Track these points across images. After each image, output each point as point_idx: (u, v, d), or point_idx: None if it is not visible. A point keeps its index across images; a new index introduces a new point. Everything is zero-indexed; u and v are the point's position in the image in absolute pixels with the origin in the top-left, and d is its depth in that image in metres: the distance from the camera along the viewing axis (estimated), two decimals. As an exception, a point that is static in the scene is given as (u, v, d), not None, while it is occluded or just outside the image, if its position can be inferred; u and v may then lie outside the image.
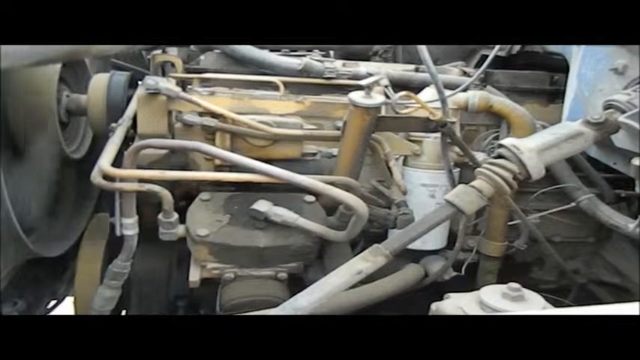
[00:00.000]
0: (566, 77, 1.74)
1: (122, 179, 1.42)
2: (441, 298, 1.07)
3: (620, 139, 1.41)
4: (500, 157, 1.22)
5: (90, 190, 2.23)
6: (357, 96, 1.51)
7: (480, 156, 1.73)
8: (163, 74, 2.03)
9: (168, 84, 1.58)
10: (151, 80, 1.55)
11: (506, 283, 1.03)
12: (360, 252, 1.13)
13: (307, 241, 1.53)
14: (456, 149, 1.71)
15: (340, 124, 1.66)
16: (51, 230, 1.92)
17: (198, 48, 2.07)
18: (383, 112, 1.66)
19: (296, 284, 1.50)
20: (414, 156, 1.76)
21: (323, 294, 1.04)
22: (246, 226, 1.52)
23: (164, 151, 1.58)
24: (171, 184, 1.51)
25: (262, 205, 1.50)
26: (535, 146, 1.21)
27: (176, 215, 1.51)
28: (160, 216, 1.50)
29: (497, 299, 1.00)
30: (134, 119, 1.61)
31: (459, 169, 1.78)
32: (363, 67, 1.95)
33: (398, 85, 1.83)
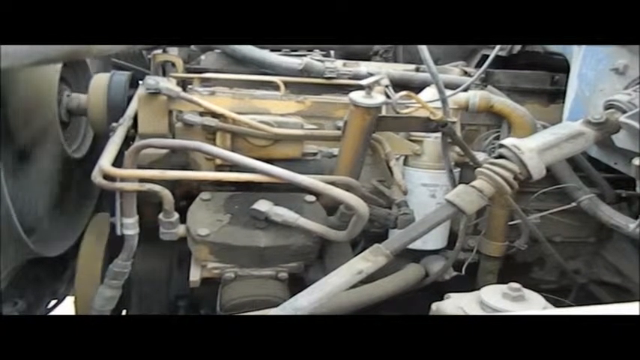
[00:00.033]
0: (567, 77, 1.74)
1: (123, 179, 1.42)
2: (441, 298, 1.07)
3: (620, 139, 1.41)
4: (500, 157, 1.22)
5: (90, 190, 2.23)
6: (357, 96, 1.51)
7: (480, 156, 1.73)
8: (164, 74, 2.03)
9: (168, 84, 1.58)
10: (152, 80, 1.55)
11: (506, 283, 1.03)
12: (361, 252, 1.13)
13: (308, 241, 1.53)
14: (457, 149, 1.71)
15: (341, 123, 1.66)
16: (51, 230, 1.92)
17: (198, 48, 2.07)
18: (383, 112, 1.66)
19: (296, 284, 1.50)
20: (414, 156, 1.76)
21: (323, 294, 1.04)
22: (247, 225, 1.52)
23: (165, 151, 1.58)
24: (171, 184, 1.52)
25: (263, 205, 1.50)
26: (536, 146, 1.21)
27: (177, 215, 1.52)
28: (161, 216, 1.50)
29: (498, 299, 1.00)
30: (135, 119, 1.61)
31: (459, 169, 1.78)
32: (363, 66, 1.95)
33: (398, 84, 1.83)
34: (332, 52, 2.03)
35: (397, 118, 1.61)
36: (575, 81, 1.68)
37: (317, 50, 1.97)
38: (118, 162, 1.44)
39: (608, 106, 1.37)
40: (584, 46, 1.64)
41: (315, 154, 1.71)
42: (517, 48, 2.01)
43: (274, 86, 1.79)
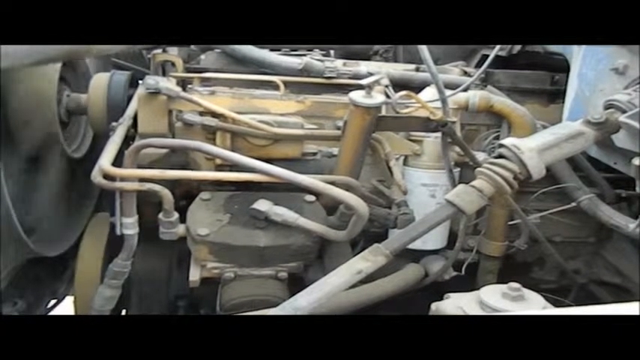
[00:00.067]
0: (567, 77, 1.74)
1: (122, 178, 1.42)
2: (441, 298, 1.07)
3: (620, 139, 1.41)
4: (500, 156, 1.22)
5: (90, 190, 2.23)
6: (357, 95, 1.51)
7: (480, 156, 1.73)
8: (164, 74, 2.03)
9: (168, 83, 1.58)
10: (152, 80, 1.55)
11: (506, 282, 1.03)
12: (360, 252, 1.13)
13: (307, 241, 1.53)
14: (457, 149, 1.71)
15: (341, 123, 1.66)
16: (51, 230, 1.92)
17: (198, 47, 2.07)
18: (383, 112, 1.66)
19: (296, 284, 1.50)
20: (414, 156, 1.76)
21: (323, 294, 1.04)
22: (247, 225, 1.51)
23: (164, 151, 1.58)
24: (171, 184, 1.51)
25: (263, 205, 1.50)
26: (536, 146, 1.21)
27: (176, 215, 1.52)
28: (161, 215, 1.50)
29: (498, 299, 1.00)
30: (135, 118, 1.61)
31: (459, 169, 1.78)
32: (363, 66, 1.95)
33: (398, 84, 1.83)
34: (332, 52, 2.03)
35: (397, 117, 1.61)
36: (575, 81, 1.68)
37: (317, 50, 1.97)
38: (117, 162, 1.44)
39: (608, 106, 1.37)
40: (584, 46, 1.64)
41: (314, 153, 1.71)
42: (517, 48, 2.01)
43: (274, 86, 1.79)
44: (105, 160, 1.40)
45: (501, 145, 1.24)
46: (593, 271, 2.03)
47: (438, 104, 1.54)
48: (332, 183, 1.49)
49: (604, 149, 1.61)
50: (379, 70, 1.88)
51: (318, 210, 1.58)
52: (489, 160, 1.23)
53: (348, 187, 1.51)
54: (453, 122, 1.61)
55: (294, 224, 1.50)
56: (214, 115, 1.62)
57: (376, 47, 2.36)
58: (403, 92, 1.56)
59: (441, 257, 1.84)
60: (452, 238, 1.82)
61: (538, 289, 1.03)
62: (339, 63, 1.91)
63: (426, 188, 1.75)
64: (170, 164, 1.55)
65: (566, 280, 2.04)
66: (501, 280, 1.45)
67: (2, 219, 1.52)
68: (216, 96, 1.73)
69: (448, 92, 1.56)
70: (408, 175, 1.76)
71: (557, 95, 1.92)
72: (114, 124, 1.61)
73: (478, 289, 1.04)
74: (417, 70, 1.95)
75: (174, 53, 1.97)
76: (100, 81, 1.87)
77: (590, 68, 1.62)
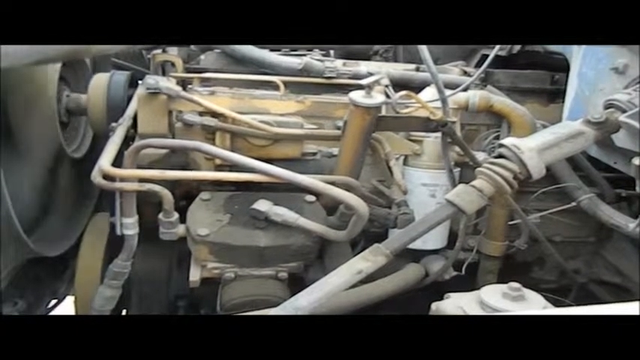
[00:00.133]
0: (567, 77, 1.74)
1: (122, 179, 1.42)
2: (441, 298, 1.07)
3: (620, 139, 1.41)
4: (500, 156, 1.22)
5: (90, 190, 2.23)
6: (357, 95, 1.51)
7: (480, 155, 1.73)
8: (163, 74, 2.03)
9: (168, 83, 1.58)
10: (152, 80, 1.55)
11: (506, 282, 1.03)
12: (361, 252, 1.13)
13: (307, 241, 1.53)
14: (457, 149, 1.71)
15: (341, 123, 1.66)
16: (51, 230, 1.92)
17: (198, 47, 2.07)
18: (383, 112, 1.66)
19: (296, 284, 1.50)
20: (414, 155, 1.76)
21: (323, 294, 1.04)
22: (247, 225, 1.51)
23: (164, 151, 1.58)
24: (171, 184, 1.51)
25: (263, 205, 1.50)
26: (535, 146, 1.21)
27: (176, 215, 1.51)
28: (161, 215, 1.50)
29: (498, 299, 1.00)
30: (134, 119, 1.61)
31: (459, 169, 1.78)
32: (363, 66, 1.95)
33: (398, 84, 1.83)
34: (331, 52, 2.03)
35: (397, 117, 1.61)
36: (575, 80, 1.68)
37: (316, 50, 1.97)
38: (117, 162, 1.44)
39: (608, 106, 1.37)
40: (584, 46, 1.64)
41: (314, 153, 1.71)
42: (517, 48, 2.01)
43: (274, 86, 1.79)
44: (105, 161, 1.40)
45: (501, 145, 1.24)
46: (593, 270, 2.03)
47: (438, 104, 1.54)
48: (332, 183, 1.49)
49: (604, 149, 1.62)
50: (379, 70, 1.88)
51: (318, 210, 1.58)
52: (489, 160, 1.23)
53: (348, 187, 1.51)
54: (453, 122, 1.61)
55: (294, 224, 1.50)
56: (214, 115, 1.62)
57: (376, 47, 2.36)
58: (403, 92, 1.56)
59: (441, 257, 1.84)
60: (452, 238, 1.82)
61: (538, 289, 1.03)
62: (339, 63, 1.91)
63: (426, 188, 1.75)
64: (170, 164, 1.55)
65: (566, 279, 2.04)
66: (501, 280, 1.46)
67: (2, 219, 1.52)
68: (216, 96, 1.73)
69: (448, 92, 1.56)
70: (408, 175, 1.76)
71: (557, 95, 1.92)
72: (114, 124, 1.61)
73: (478, 289, 1.04)
74: (417, 70, 1.95)
75: (174, 53, 1.97)
76: (99, 81, 1.87)
77: (590, 68, 1.62)
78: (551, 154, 1.22)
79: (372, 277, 1.43)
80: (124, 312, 1.84)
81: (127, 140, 1.58)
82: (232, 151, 1.57)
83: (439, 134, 1.62)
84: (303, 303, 1.03)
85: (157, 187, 1.44)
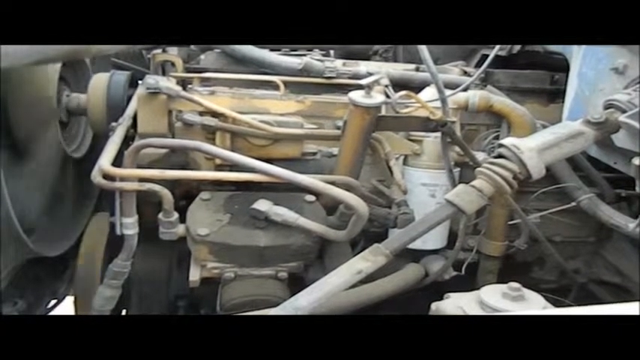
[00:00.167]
0: (567, 77, 1.74)
1: (122, 178, 1.42)
2: (441, 298, 1.07)
3: (620, 139, 1.41)
4: (500, 156, 1.22)
5: (90, 190, 2.23)
6: (357, 95, 1.51)
7: (480, 155, 1.73)
8: (163, 73, 2.03)
9: (168, 83, 1.58)
10: (152, 79, 1.55)
11: (506, 282, 1.03)
12: (361, 251, 1.13)
13: (307, 241, 1.53)
14: (457, 149, 1.71)
15: (340, 123, 1.66)
16: (51, 230, 1.92)
17: (198, 47, 2.07)
18: (383, 112, 1.66)
19: (296, 284, 1.50)
20: (414, 155, 1.76)
21: (323, 294, 1.04)
22: (247, 225, 1.51)
23: (164, 151, 1.58)
24: (171, 184, 1.51)
25: (263, 205, 1.50)
26: (535, 146, 1.21)
27: (176, 215, 1.52)
28: (160, 215, 1.50)
29: (498, 299, 1.00)
30: (134, 118, 1.61)
31: (459, 169, 1.78)
32: (363, 66, 1.95)
33: (398, 84, 1.83)
34: (331, 52, 2.03)
35: (397, 117, 1.61)
36: (575, 80, 1.68)
37: (316, 50, 1.97)
38: (117, 162, 1.44)
39: (608, 106, 1.37)
40: (584, 46, 1.64)
41: (314, 153, 1.71)
42: (517, 48, 2.01)
43: (274, 86, 1.80)
44: (105, 160, 1.40)
45: (501, 145, 1.24)
46: (593, 270, 2.04)
47: (438, 104, 1.54)
48: (332, 183, 1.49)
49: (604, 149, 1.62)
50: (379, 70, 1.88)
51: (318, 210, 1.58)
52: (489, 160, 1.23)
53: (348, 187, 1.51)
54: (453, 122, 1.61)
55: (294, 224, 1.50)
56: (214, 115, 1.62)
57: (376, 47, 2.36)
58: (403, 92, 1.56)
59: (441, 257, 1.84)
60: (452, 238, 1.82)
61: (538, 289, 1.03)
62: (338, 63, 1.92)
63: (425, 188, 1.75)
64: (170, 164, 1.55)
65: (566, 279, 2.04)
66: (501, 280, 1.45)
67: (2, 219, 1.52)
68: (216, 96, 1.74)
69: (448, 92, 1.56)
70: (407, 174, 1.76)
71: (556, 95, 1.92)
72: (113, 124, 1.61)
73: (478, 289, 1.04)
74: (417, 70, 1.96)
75: (173, 53, 1.97)
76: (99, 81, 1.87)
77: (590, 68, 1.62)
78: (551, 154, 1.22)
79: (372, 277, 1.43)
80: (124, 312, 1.84)
81: (127, 140, 1.58)
82: (232, 150, 1.57)
83: (439, 134, 1.62)
84: (303, 303, 1.03)
85: (156, 187, 1.44)
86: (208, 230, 1.48)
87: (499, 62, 1.93)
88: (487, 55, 1.73)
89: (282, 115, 1.73)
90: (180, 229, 1.53)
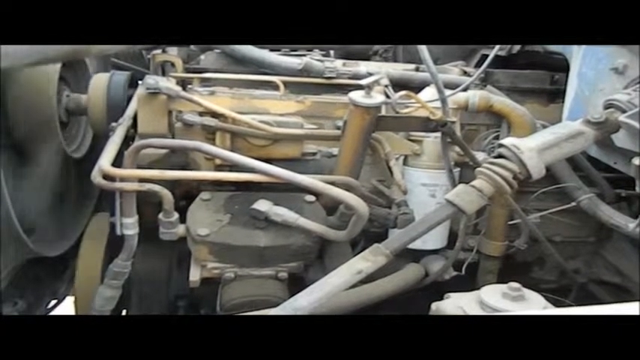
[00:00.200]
0: (567, 77, 1.74)
1: (122, 179, 1.42)
2: (441, 298, 1.07)
3: (620, 139, 1.41)
4: (500, 156, 1.22)
5: (90, 190, 2.23)
6: (357, 95, 1.51)
7: (480, 155, 1.73)
8: (163, 74, 2.03)
9: (168, 83, 1.58)
10: (152, 80, 1.55)
11: (506, 282, 1.03)
12: (361, 252, 1.13)
13: (307, 241, 1.53)
14: (457, 149, 1.71)
15: (340, 123, 1.66)
16: (51, 230, 1.92)
17: (198, 48, 2.07)
18: (383, 112, 1.66)
19: (296, 284, 1.50)
20: (414, 155, 1.76)
21: (323, 294, 1.04)
22: (247, 225, 1.51)
23: (164, 151, 1.58)
24: (171, 184, 1.51)
25: (263, 205, 1.50)
26: (535, 146, 1.21)
27: (176, 215, 1.51)
28: (161, 215, 1.50)
29: (498, 299, 1.00)
30: (134, 119, 1.61)
31: (459, 169, 1.78)
32: (363, 66, 1.95)
33: (398, 84, 1.83)
34: (331, 52, 2.03)
35: (397, 117, 1.61)
36: (575, 80, 1.68)
37: (316, 50, 1.97)
38: (117, 162, 1.44)
39: (608, 106, 1.37)
40: (583, 46, 1.64)
41: (314, 153, 1.71)
42: (517, 48, 2.01)
43: (274, 86, 1.79)
44: (105, 161, 1.40)
45: (501, 145, 1.24)
46: (593, 270, 2.03)
47: (438, 104, 1.54)
48: (332, 183, 1.49)
49: (604, 149, 1.61)
50: (379, 70, 1.88)
51: (318, 210, 1.58)
52: (489, 160, 1.23)
53: (347, 187, 1.51)
54: (453, 122, 1.61)
55: (294, 224, 1.50)
56: (214, 115, 1.62)
57: (376, 47, 2.36)
58: (403, 92, 1.56)
59: (441, 257, 1.84)
60: (452, 238, 1.82)
61: (538, 289, 1.03)
62: (338, 63, 1.91)
63: (425, 188, 1.75)
64: (170, 164, 1.55)
65: (566, 279, 2.04)
66: (501, 280, 1.45)
67: (2, 219, 1.52)
68: (216, 96, 1.73)
69: (448, 92, 1.56)
70: (407, 175, 1.76)
71: (556, 95, 1.92)
72: (113, 124, 1.61)
73: (478, 289, 1.04)
74: (417, 69, 1.95)
75: (173, 53, 1.97)
76: (99, 81, 1.87)
77: (590, 68, 1.62)
78: (550, 154, 1.22)
79: (372, 277, 1.43)
80: (124, 312, 1.84)
81: (127, 140, 1.58)
82: (232, 151, 1.57)
83: (439, 134, 1.62)
84: (303, 303, 1.03)
85: (156, 187, 1.44)
86: (208, 230, 1.48)
87: (499, 62, 1.92)
88: (487, 55, 1.73)
89: (282, 115, 1.73)
90: (181, 229, 1.53)
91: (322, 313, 1.11)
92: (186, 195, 1.64)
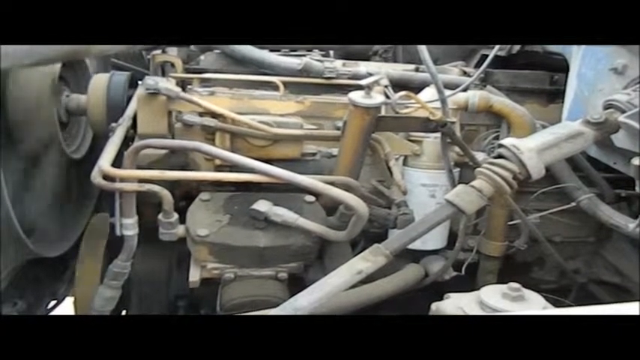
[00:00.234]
0: (566, 77, 1.74)
1: (122, 179, 1.42)
2: (441, 298, 1.07)
3: (620, 139, 1.41)
4: (500, 156, 1.22)
5: (90, 190, 2.23)
6: (357, 96, 1.51)
7: (480, 156, 1.73)
8: (163, 74, 2.03)
9: (168, 84, 1.58)
10: (151, 80, 1.55)
11: (506, 283, 1.03)
12: (361, 252, 1.13)
13: (307, 241, 1.53)
14: (456, 149, 1.71)
15: (340, 124, 1.66)
16: (51, 230, 1.92)
17: (198, 48, 2.07)
18: (383, 112, 1.65)
19: (296, 284, 1.50)
20: (414, 156, 1.76)
21: (323, 294, 1.04)
22: (247, 226, 1.52)
23: (164, 151, 1.58)
24: (171, 184, 1.51)
25: (262, 205, 1.50)
26: (535, 146, 1.21)
27: (176, 215, 1.51)
28: (160, 216, 1.50)
29: (498, 299, 1.00)
30: (134, 119, 1.61)
31: (459, 169, 1.78)
32: (363, 66, 1.95)
33: (398, 84, 1.83)
34: (331, 52, 2.03)
35: (396, 118, 1.61)
36: (575, 81, 1.68)
37: (316, 50, 1.97)
38: (117, 162, 1.44)
39: (608, 106, 1.37)
40: (583, 46, 1.65)
41: (314, 154, 1.71)
42: (516, 48, 2.01)
43: (273, 86, 1.79)
44: (104, 161, 1.40)
45: (501, 145, 1.24)
46: (592, 270, 2.04)
47: (438, 104, 1.54)
48: (331, 183, 1.49)
49: (603, 149, 1.62)
50: (379, 70, 1.88)
51: (318, 210, 1.58)
52: (489, 160, 1.23)
53: (347, 188, 1.51)
54: (453, 122, 1.61)
55: (293, 225, 1.50)
56: (214, 115, 1.62)
57: (376, 47, 2.36)
58: (403, 92, 1.56)
59: (441, 257, 1.84)
60: (452, 238, 1.82)
61: (538, 289, 1.03)
62: (338, 63, 1.91)
63: (425, 188, 1.75)
64: (170, 165, 1.55)
65: (566, 279, 2.04)
66: (501, 280, 1.45)
67: (2, 220, 1.52)
68: (216, 96, 1.73)
69: (447, 92, 1.56)
70: (407, 175, 1.76)
71: (556, 95, 1.92)
72: (113, 124, 1.61)
73: (478, 289, 1.04)
74: (417, 70, 1.95)
75: (173, 54, 1.97)
76: (99, 82, 1.87)
77: (590, 68, 1.62)
78: (550, 154, 1.22)
79: (372, 278, 1.43)
80: (124, 312, 1.84)
81: (127, 141, 1.58)
82: (232, 151, 1.57)
83: (439, 134, 1.62)
84: (303, 303, 1.03)
85: (156, 188, 1.44)
86: (208, 231, 1.48)
87: (499, 62, 1.92)
88: (487, 55, 1.73)
89: (281, 115, 1.73)
90: (180, 229, 1.53)
91: (322, 313, 1.11)
92: (185, 195, 1.64)
